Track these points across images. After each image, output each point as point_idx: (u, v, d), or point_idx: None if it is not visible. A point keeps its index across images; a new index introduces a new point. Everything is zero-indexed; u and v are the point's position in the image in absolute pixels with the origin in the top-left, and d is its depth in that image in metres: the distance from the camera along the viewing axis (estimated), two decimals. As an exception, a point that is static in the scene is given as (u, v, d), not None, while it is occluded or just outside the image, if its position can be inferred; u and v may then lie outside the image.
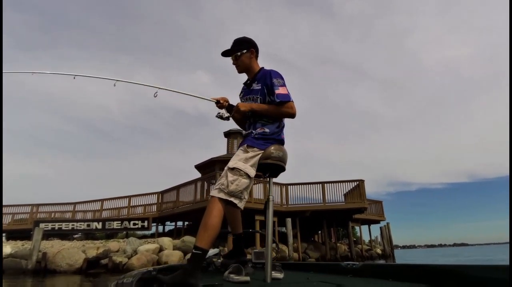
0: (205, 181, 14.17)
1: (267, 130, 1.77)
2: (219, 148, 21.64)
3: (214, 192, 1.61)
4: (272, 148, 1.73)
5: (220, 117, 1.90)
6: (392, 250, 21.04)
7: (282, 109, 1.75)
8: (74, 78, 2.39)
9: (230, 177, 1.62)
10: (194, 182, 13.95)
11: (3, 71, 2.60)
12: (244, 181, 1.63)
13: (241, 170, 1.64)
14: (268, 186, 1.78)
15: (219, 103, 1.94)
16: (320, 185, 14.50)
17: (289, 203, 14.62)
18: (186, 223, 16.41)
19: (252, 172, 1.66)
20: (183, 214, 14.36)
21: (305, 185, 14.58)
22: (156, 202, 16.03)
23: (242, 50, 1.92)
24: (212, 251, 2.02)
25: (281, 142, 1.81)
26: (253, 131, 1.79)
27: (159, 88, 2.10)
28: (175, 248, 11.92)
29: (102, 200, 16.94)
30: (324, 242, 16.39)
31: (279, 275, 1.61)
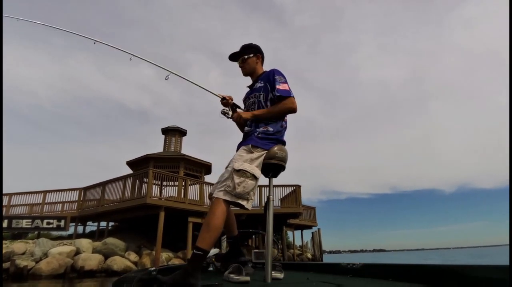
0: (137, 179, 13.15)
1: (270, 129, 1.79)
2: (156, 145, 20.40)
3: (219, 194, 1.59)
4: (276, 148, 1.74)
5: (224, 113, 1.93)
6: (321, 255, 21.92)
7: (283, 104, 1.77)
8: (95, 43, 2.45)
9: (237, 179, 1.60)
10: (123, 178, 12.88)
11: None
12: (251, 183, 1.62)
13: (247, 171, 1.62)
14: (268, 186, 1.77)
15: (224, 100, 1.96)
16: (258, 188, 14.37)
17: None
18: (111, 223, 14.98)
19: (258, 173, 1.67)
20: (108, 214, 13.09)
21: (243, 188, 14.28)
22: (77, 199, 14.34)
23: (249, 54, 2.01)
24: (212, 251, 2.04)
25: (283, 143, 1.83)
26: (257, 130, 1.79)
27: (171, 72, 2.14)
28: (95, 251, 10.72)
29: (9, 195, 14.48)
30: (258, 246, 16.33)
31: (279, 275, 1.63)
